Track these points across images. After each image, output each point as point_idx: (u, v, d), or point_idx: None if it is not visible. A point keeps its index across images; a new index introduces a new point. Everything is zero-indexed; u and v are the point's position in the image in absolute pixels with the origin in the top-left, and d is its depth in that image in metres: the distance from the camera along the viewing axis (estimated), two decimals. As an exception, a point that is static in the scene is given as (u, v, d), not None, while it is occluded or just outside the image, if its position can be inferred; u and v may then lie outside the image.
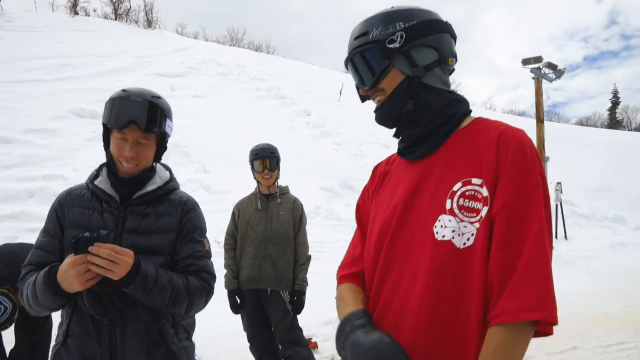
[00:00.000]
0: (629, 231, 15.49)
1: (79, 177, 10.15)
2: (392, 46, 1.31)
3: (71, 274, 1.56)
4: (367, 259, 1.42)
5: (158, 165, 1.98)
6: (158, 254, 1.83)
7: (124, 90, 1.82)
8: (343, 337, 1.26)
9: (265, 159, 3.95)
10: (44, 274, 1.65)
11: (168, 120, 1.86)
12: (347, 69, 1.43)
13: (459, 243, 1.19)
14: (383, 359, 1.13)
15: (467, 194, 1.21)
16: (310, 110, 19.93)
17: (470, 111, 1.38)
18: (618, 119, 63.20)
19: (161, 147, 1.92)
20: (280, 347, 3.99)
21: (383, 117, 1.39)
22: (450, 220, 1.21)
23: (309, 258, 4.00)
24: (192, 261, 1.88)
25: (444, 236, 1.20)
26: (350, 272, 1.49)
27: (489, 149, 1.22)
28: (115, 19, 27.51)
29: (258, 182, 4.05)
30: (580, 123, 58.06)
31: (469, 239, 1.18)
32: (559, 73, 23.56)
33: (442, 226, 1.22)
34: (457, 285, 1.18)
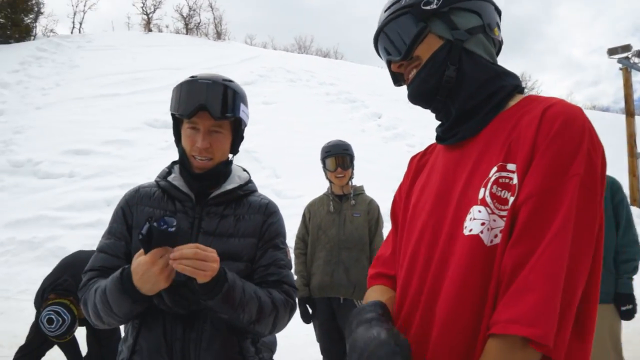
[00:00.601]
0: None
1: (153, 185, 10.26)
2: (427, 7, 1.15)
3: (153, 271, 1.36)
4: (400, 261, 1.26)
5: (235, 165, 1.79)
6: (237, 260, 1.61)
7: (191, 76, 1.62)
8: (349, 332, 1.13)
9: (338, 156, 3.62)
10: (115, 280, 1.44)
11: (243, 105, 1.65)
12: (376, 49, 1.26)
13: (487, 239, 1.00)
14: (374, 357, 0.98)
15: (501, 181, 1.01)
16: (381, 113, 19.51)
17: (522, 87, 1.17)
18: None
19: (237, 137, 1.71)
20: None
21: (418, 89, 1.18)
22: (480, 211, 1.02)
23: None
24: (273, 269, 1.65)
25: (471, 230, 1.02)
26: (377, 272, 1.37)
27: (530, 128, 1.00)
28: (186, 33, 28.32)
29: (330, 182, 3.71)
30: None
31: (496, 236, 0.99)
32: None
33: (471, 218, 1.03)
34: (479, 291, 1.00)
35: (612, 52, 20.22)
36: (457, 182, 1.12)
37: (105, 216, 8.99)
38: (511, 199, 0.98)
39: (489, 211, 1.00)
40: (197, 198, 1.65)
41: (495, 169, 1.03)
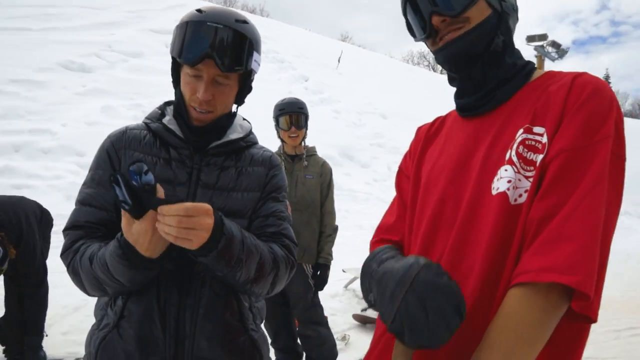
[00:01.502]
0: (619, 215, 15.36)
1: (69, 132, 9.60)
2: None
3: (158, 236, 1.18)
4: (415, 229, 1.21)
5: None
6: (239, 216, 1.45)
7: (198, 11, 1.37)
8: (368, 276, 1.09)
9: (293, 115, 3.44)
10: (117, 258, 1.24)
11: (255, 54, 1.43)
12: None
13: (512, 197, 0.98)
14: (421, 280, 0.92)
15: (527, 142, 1.00)
16: (308, 76, 19.42)
17: (535, 67, 1.18)
18: (609, 103, 64.54)
19: (244, 87, 1.49)
20: (298, 326, 3.61)
21: (464, 51, 1.12)
22: (506, 170, 1.01)
23: (335, 229, 3.57)
24: (272, 220, 1.50)
25: (498, 189, 1.00)
26: (380, 239, 1.32)
27: (559, 93, 1.01)
28: (106, -29, 26.22)
29: (282, 141, 3.54)
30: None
31: (520, 195, 0.98)
32: (561, 52, 23.28)
33: (498, 178, 1.01)
34: (503, 249, 0.97)
35: (530, 39, 21.38)
36: (479, 148, 1.09)
37: (13, 163, 8.34)
38: (539, 158, 0.97)
39: (515, 170, 0.99)
40: (195, 147, 1.46)
41: (521, 130, 1.02)
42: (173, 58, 1.42)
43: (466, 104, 1.19)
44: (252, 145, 1.57)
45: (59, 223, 7.04)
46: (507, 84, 1.12)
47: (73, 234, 1.38)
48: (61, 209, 7.61)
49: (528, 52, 22.05)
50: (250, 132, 1.58)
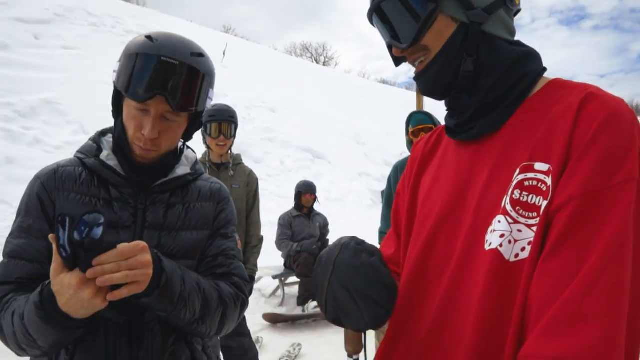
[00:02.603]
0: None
1: None
2: None
3: (85, 295, 1.03)
4: (406, 267, 1.10)
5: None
6: (189, 257, 1.37)
7: (148, 38, 1.24)
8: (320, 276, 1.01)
9: (223, 123, 3.34)
10: (34, 305, 1.10)
11: (210, 90, 1.34)
12: (371, 22, 1.06)
13: (509, 253, 0.84)
14: (341, 266, 0.92)
15: (527, 184, 0.85)
16: (194, 70, 18.78)
17: (545, 69, 1.00)
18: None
19: (194, 124, 1.39)
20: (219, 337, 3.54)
21: (430, 85, 1.02)
22: (499, 222, 0.86)
23: (261, 239, 3.55)
24: (222, 260, 1.43)
25: (490, 244, 0.87)
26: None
27: (564, 121, 0.84)
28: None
29: (208, 148, 3.44)
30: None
31: (523, 249, 0.83)
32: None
33: (492, 230, 0.88)
34: (500, 315, 0.84)
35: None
36: (473, 184, 0.97)
37: None
38: (544, 204, 0.82)
39: (510, 220, 0.85)
40: (139, 184, 1.35)
41: (518, 170, 0.88)
42: (116, 88, 1.29)
43: (450, 126, 1.08)
44: (198, 177, 1.48)
45: None
46: (493, 110, 0.97)
47: (2, 289, 1.23)
48: None
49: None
50: (196, 162, 1.50)
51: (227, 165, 3.44)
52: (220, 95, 17.55)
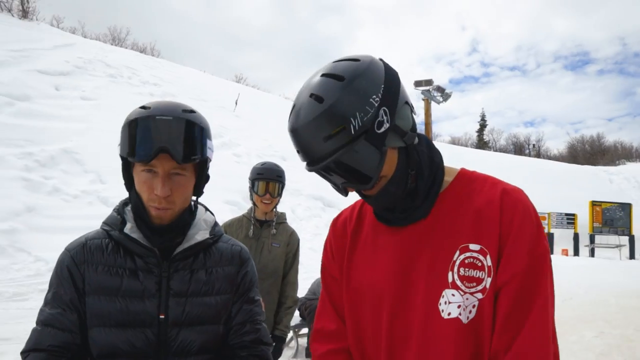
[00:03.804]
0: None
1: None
2: (382, 129, 1.05)
3: None
4: (362, 340, 1.26)
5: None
6: (214, 322, 1.45)
7: (143, 108, 1.34)
8: None
9: (270, 182, 3.35)
10: None
11: (209, 141, 1.42)
12: (319, 174, 1.13)
13: (465, 318, 1.09)
14: None
15: (467, 261, 1.10)
16: (207, 119, 19.20)
17: (441, 156, 1.24)
18: (485, 140, 70.29)
19: (201, 177, 1.45)
20: None
21: (388, 202, 1.17)
22: (453, 295, 1.10)
23: (296, 301, 3.49)
24: (250, 327, 1.51)
25: (449, 313, 1.10)
26: (330, 350, 1.31)
27: (490, 213, 1.11)
28: (-17, 5, 24.50)
29: (254, 205, 3.46)
30: (453, 142, 63.31)
31: (470, 312, 1.09)
32: (445, 96, 25.37)
33: (446, 302, 1.11)
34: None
35: (417, 84, 23.07)
36: (417, 265, 1.15)
37: None
38: (487, 279, 1.08)
39: (461, 292, 1.09)
40: (161, 251, 1.41)
41: (458, 252, 1.11)
42: (123, 159, 1.36)
43: (385, 216, 1.23)
44: (218, 239, 1.53)
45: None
46: (424, 201, 1.17)
47: (34, 356, 1.30)
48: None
49: (415, 95, 23.75)
50: (215, 225, 1.55)
51: (270, 223, 3.43)
52: (232, 144, 17.91)
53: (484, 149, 59.21)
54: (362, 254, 1.27)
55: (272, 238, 3.40)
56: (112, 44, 35.97)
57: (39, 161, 10.87)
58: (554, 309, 1.10)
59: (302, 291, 6.95)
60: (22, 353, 1.32)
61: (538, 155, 71.80)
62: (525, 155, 65.14)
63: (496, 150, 60.48)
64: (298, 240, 3.50)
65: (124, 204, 1.48)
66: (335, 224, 1.38)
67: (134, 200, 1.39)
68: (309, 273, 10.37)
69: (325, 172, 1.11)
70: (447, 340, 1.09)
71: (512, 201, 1.10)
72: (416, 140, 1.15)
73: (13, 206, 8.87)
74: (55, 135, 12.25)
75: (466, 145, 61.22)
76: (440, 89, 23.37)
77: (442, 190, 1.19)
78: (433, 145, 1.23)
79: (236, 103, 23.91)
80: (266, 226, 3.44)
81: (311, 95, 1.05)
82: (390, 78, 1.09)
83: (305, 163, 1.10)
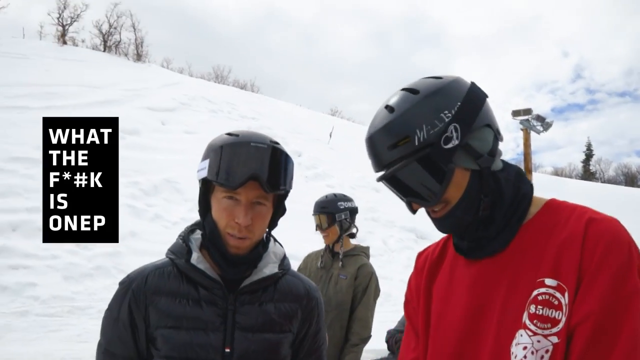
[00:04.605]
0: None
1: (66, 211, 9.52)
2: (449, 145, 1.03)
3: None
4: None
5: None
6: (277, 358, 1.39)
7: (230, 135, 1.32)
8: None
9: (317, 215, 3.34)
10: None
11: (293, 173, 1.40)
12: (387, 186, 1.14)
13: None
14: None
15: (540, 298, 0.97)
16: (301, 151, 19.70)
17: (532, 188, 1.13)
18: (592, 171, 65.64)
19: (279, 210, 1.42)
20: None
21: (453, 227, 1.13)
22: (522, 335, 0.98)
23: (364, 339, 3.25)
24: None
25: (516, 356, 0.97)
26: None
27: (572, 244, 0.97)
28: (104, 50, 27.11)
29: None
30: (556, 173, 59.74)
31: (542, 357, 0.94)
32: (546, 125, 24.13)
33: (516, 344, 0.98)
34: None
35: (516, 113, 22.15)
36: (491, 302, 1.06)
37: (10, 243, 8.25)
38: (563, 318, 0.94)
39: (530, 333, 0.96)
40: (227, 283, 1.36)
41: (535, 290, 0.99)
42: (204, 184, 1.34)
43: (461, 247, 1.16)
44: (286, 272, 1.47)
45: (56, 305, 6.92)
46: (502, 232, 1.08)
47: None
48: (58, 289, 7.50)
49: (514, 126, 22.83)
50: (284, 258, 1.49)
51: (339, 255, 3.36)
52: (327, 176, 18.11)
53: (590, 180, 55.28)
54: (439, 287, 1.21)
55: (340, 270, 3.29)
56: (215, 82, 38.22)
57: (144, 190, 11.60)
58: None
59: (391, 324, 6.75)
60: None
61: (652, 186, 66.03)
62: (638, 186, 60.03)
63: (604, 182, 56.11)
64: (371, 274, 3.28)
65: (190, 231, 1.44)
66: (418, 258, 1.35)
67: (210, 227, 1.34)
68: (398, 305, 10.09)
69: (390, 184, 1.11)
70: None
71: (599, 231, 0.95)
72: (498, 166, 1.10)
73: (119, 231, 9.46)
74: (159, 166, 13.05)
75: (570, 177, 57.41)
76: (540, 118, 22.25)
77: (526, 221, 1.08)
78: (523, 175, 1.14)
79: (330, 135, 24.28)
80: (337, 258, 3.35)
81: (386, 106, 1.08)
82: (472, 97, 1.07)
83: (375, 173, 1.11)
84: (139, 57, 28.12)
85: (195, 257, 1.35)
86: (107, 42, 27.57)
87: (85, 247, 8.70)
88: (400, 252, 14.52)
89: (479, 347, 1.05)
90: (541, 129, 23.32)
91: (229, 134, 1.32)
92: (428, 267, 1.27)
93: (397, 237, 15.35)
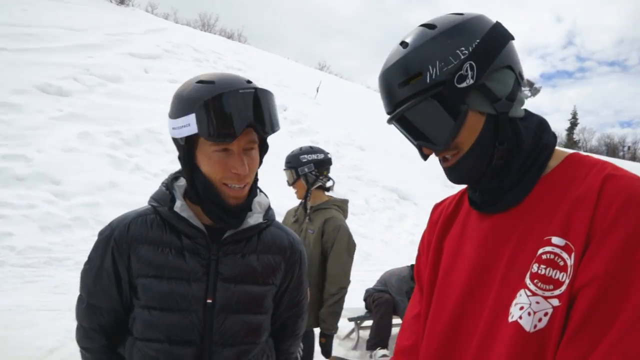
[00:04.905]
0: None
1: (44, 159, 9.33)
2: (463, 85, 0.95)
3: None
4: (430, 330, 1.13)
5: None
6: (261, 312, 1.38)
7: (205, 83, 1.23)
8: None
9: (284, 170, 3.32)
10: None
11: None
12: (394, 124, 1.08)
13: (528, 325, 0.89)
14: None
15: (544, 257, 0.90)
16: (287, 105, 19.43)
17: (556, 140, 1.05)
18: (575, 140, 66.39)
19: (263, 149, 1.38)
20: None
21: (465, 176, 1.05)
22: (521, 295, 0.92)
23: (333, 294, 3.16)
24: (289, 331, 1.52)
25: (513, 315, 0.92)
26: (406, 346, 1.23)
27: (586, 201, 0.89)
28: (85, -9, 26.01)
29: None
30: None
31: (540, 320, 0.88)
32: (534, 91, 24.16)
33: (515, 304, 0.93)
34: None
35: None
36: (498, 258, 1.00)
37: (-13, 190, 8.07)
38: (567, 280, 0.87)
39: (529, 293, 0.91)
40: (210, 232, 1.32)
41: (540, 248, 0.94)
42: (188, 140, 1.26)
43: (474, 200, 1.11)
44: (271, 223, 1.45)
45: (32, 256, 6.82)
46: (517, 185, 1.01)
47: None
48: (34, 240, 7.38)
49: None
50: (269, 208, 1.46)
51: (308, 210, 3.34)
52: (312, 132, 17.93)
53: (573, 148, 55.93)
54: (451, 242, 1.17)
55: (309, 224, 3.25)
56: (201, 30, 37.20)
57: (125, 140, 11.35)
58: None
59: (370, 283, 6.79)
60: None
61: (633, 158, 66.90)
62: (618, 157, 60.81)
63: (586, 151, 56.84)
64: (339, 227, 3.19)
65: (174, 178, 1.40)
66: (434, 210, 1.30)
67: (203, 183, 1.28)
68: (377, 265, 10.17)
69: (399, 126, 1.06)
70: (502, 349, 0.92)
71: (616, 188, 0.87)
72: (519, 113, 1.02)
73: (98, 181, 9.31)
74: (142, 115, 12.75)
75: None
76: (529, 83, 22.16)
77: (544, 175, 1.01)
78: (547, 125, 1.06)
79: (317, 90, 23.94)
80: (308, 212, 3.30)
81: (401, 42, 1.02)
82: (494, 36, 0.98)
83: (387, 114, 1.05)
84: (122, 0, 27.10)
85: (179, 205, 1.32)
86: (89, -17, 26.38)
87: (63, 196, 8.55)
88: (382, 212, 14.57)
89: (481, 304, 1.01)
90: (529, 94, 23.31)
91: (200, 81, 1.24)
92: (442, 220, 1.23)
93: (379, 197, 15.38)
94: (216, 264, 1.31)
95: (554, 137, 1.05)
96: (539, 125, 1.04)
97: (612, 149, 70.74)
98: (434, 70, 0.95)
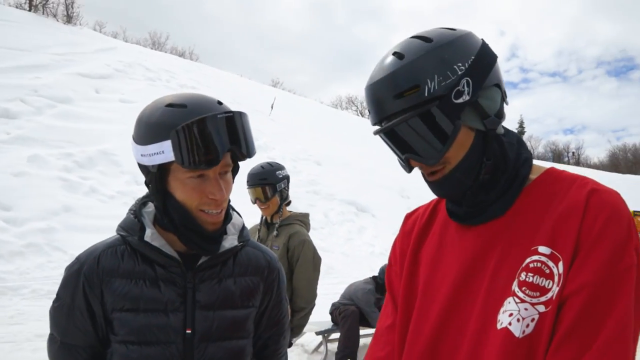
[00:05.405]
0: None
1: (-7, 184, 9.00)
2: (460, 100, 0.97)
3: None
4: (412, 340, 1.12)
5: None
6: (242, 337, 1.34)
7: (177, 106, 1.18)
8: None
9: (256, 188, 3.21)
10: None
11: None
12: (384, 140, 1.07)
13: (517, 330, 0.92)
14: None
15: (532, 265, 0.94)
16: (243, 123, 19.32)
17: (532, 155, 1.10)
18: (523, 147, 68.99)
19: (235, 170, 1.33)
20: None
21: (451, 191, 1.06)
22: (509, 303, 0.95)
23: (303, 308, 3.18)
24: (271, 351, 1.49)
25: (502, 322, 0.95)
26: (380, 357, 1.21)
27: (572, 214, 0.94)
28: (30, 10, 25.31)
29: None
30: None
31: (527, 325, 0.92)
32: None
33: (503, 311, 0.95)
34: None
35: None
36: (483, 267, 1.02)
37: None
38: (555, 288, 0.91)
39: (517, 300, 0.94)
40: (184, 259, 1.27)
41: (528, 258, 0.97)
42: (160, 167, 1.20)
43: (456, 212, 1.12)
44: (246, 242, 1.41)
45: (-17, 285, 6.53)
46: (501, 197, 1.04)
47: None
48: (-14, 269, 7.10)
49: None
50: (243, 228, 1.41)
51: (275, 226, 3.29)
52: (268, 148, 17.94)
53: (522, 155, 57.87)
54: (427, 252, 1.17)
55: (274, 240, 3.25)
56: (152, 48, 36.75)
57: (78, 162, 11.08)
58: (638, 336, 0.90)
59: (333, 296, 6.86)
60: None
61: (577, 163, 70.02)
62: (564, 163, 63.41)
63: (534, 158, 58.90)
64: (303, 243, 3.21)
65: (142, 204, 1.33)
66: (407, 220, 1.30)
67: (179, 211, 1.23)
68: (340, 278, 10.26)
69: (388, 139, 1.05)
70: (493, 355, 0.94)
71: (601, 202, 0.92)
72: (501, 130, 1.05)
73: (51, 206, 9.04)
74: (94, 137, 12.47)
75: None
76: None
77: (525, 187, 1.05)
78: (524, 143, 1.11)
79: (272, 107, 24.01)
80: (272, 228, 3.31)
81: (394, 53, 1.01)
82: (485, 54, 1.01)
83: (373, 125, 1.05)
84: (69, 18, 26.41)
85: (150, 234, 1.26)
86: (33, 1, 25.71)
87: (14, 223, 8.26)
88: (341, 225, 14.70)
89: (467, 313, 1.02)
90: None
91: (170, 105, 1.18)
92: (417, 230, 1.22)
93: (337, 210, 15.51)
94: (193, 291, 1.27)
95: (529, 153, 1.09)
96: (518, 142, 1.09)
97: (558, 155, 73.71)
98: (432, 84, 0.96)
